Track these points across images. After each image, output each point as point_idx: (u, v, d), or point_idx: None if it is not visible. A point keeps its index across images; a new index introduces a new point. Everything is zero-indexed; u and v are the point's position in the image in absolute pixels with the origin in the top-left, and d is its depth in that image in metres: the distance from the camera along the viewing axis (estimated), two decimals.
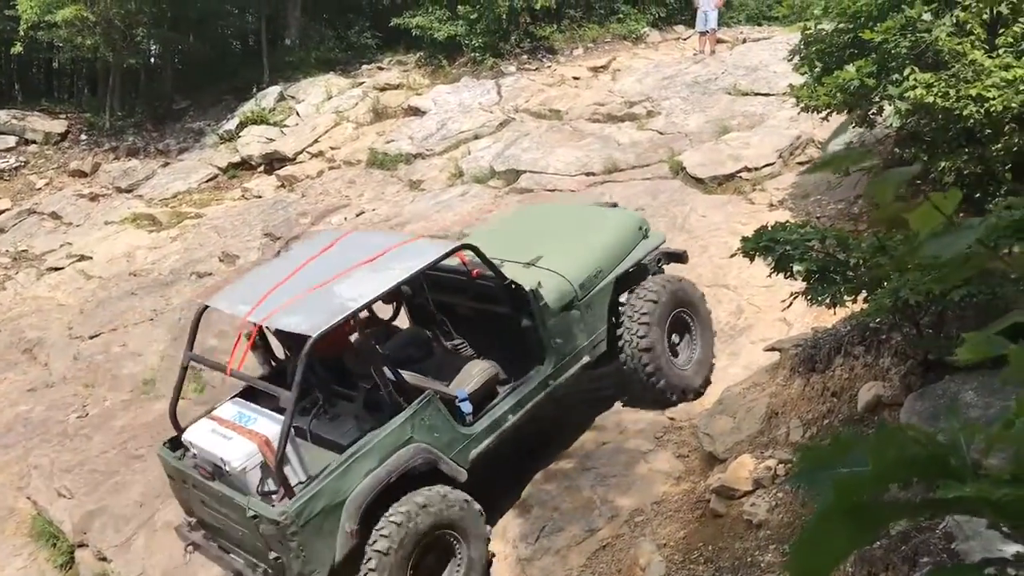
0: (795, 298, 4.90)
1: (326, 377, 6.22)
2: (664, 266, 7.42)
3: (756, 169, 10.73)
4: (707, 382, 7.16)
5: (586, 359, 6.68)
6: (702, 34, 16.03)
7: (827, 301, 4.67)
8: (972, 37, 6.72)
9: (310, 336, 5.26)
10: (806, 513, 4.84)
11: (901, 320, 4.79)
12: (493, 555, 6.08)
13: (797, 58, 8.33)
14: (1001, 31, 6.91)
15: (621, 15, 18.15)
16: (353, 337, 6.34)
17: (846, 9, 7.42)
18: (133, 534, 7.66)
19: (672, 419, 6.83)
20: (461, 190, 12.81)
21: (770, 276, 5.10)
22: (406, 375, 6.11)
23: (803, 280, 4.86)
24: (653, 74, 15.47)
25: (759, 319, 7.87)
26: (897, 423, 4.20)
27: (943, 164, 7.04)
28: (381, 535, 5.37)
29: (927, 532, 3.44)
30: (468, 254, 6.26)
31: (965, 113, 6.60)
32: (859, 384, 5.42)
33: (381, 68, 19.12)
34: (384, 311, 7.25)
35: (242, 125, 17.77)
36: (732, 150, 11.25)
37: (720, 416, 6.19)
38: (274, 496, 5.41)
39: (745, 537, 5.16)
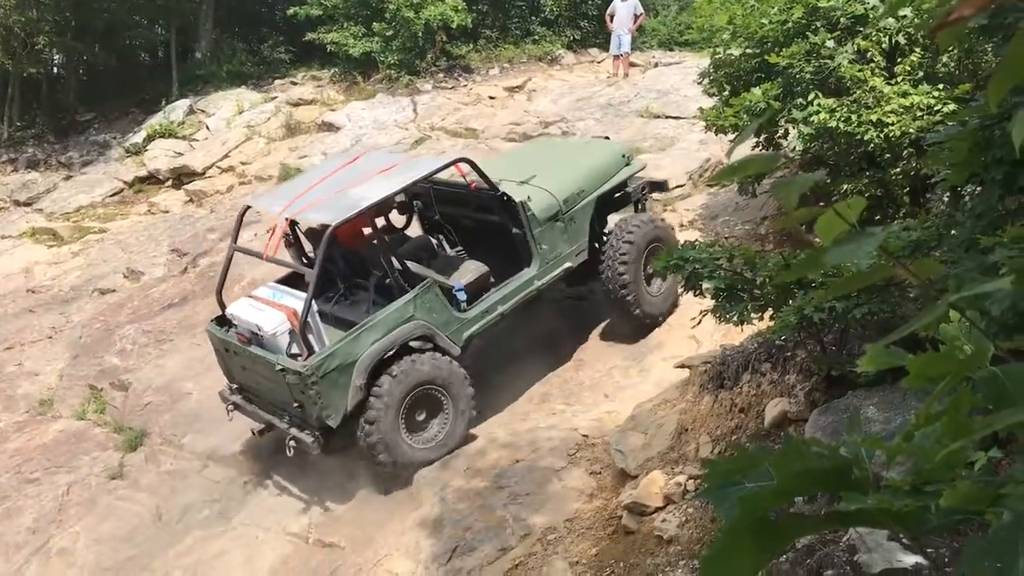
0: (704, 315, 4.97)
1: (346, 271, 7.53)
2: (649, 194, 8.71)
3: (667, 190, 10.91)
4: (670, 312, 8.16)
5: (568, 264, 7.81)
6: (616, 57, 16.29)
7: (735, 319, 4.75)
8: (872, 64, 6.96)
9: (330, 224, 6.58)
10: (715, 528, 4.90)
11: (805, 337, 4.91)
12: (477, 412, 7.31)
13: (707, 80, 8.51)
14: (899, 60, 7.19)
15: (537, 36, 18.30)
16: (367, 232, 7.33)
17: (753, 34, 7.61)
18: (25, 562, 7.31)
19: (585, 436, 6.86)
20: None
21: (681, 295, 5.17)
22: (411, 265, 7.32)
23: (712, 298, 4.94)
24: (568, 95, 15.64)
25: (669, 336, 7.98)
26: (801, 438, 4.28)
27: (845, 186, 7.26)
28: (379, 383, 6.70)
29: (831, 545, 3.50)
30: (466, 167, 7.41)
31: (866, 138, 6.83)
32: (766, 400, 5.51)
33: (295, 83, 18.85)
34: (399, 221, 8.48)
35: (149, 138, 17.27)
36: (644, 171, 11.41)
37: (632, 433, 6.23)
38: (299, 357, 6.65)
39: (656, 553, 5.18)
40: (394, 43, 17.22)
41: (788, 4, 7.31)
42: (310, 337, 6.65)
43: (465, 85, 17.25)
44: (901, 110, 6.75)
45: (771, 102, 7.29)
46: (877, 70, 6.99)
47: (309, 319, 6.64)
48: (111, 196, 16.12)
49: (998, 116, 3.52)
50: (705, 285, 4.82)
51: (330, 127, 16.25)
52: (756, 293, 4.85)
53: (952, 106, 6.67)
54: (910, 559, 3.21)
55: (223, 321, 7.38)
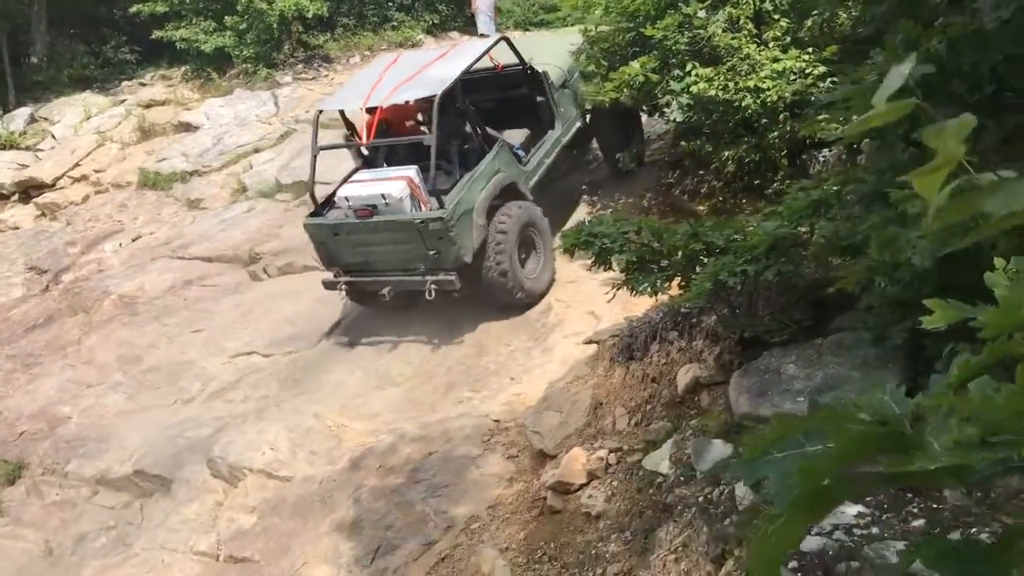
0: (618, 289, 4.99)
1: (408, 151, 8.38)
2: None
3: None
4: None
5: (579, 124, 9.38)
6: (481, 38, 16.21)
7: (648, 290, 4.79)
8: (744, 32, 7.13)
9: (436, 95, 7.68)
10: (644, 499, 4.94)
11: (715, 302, 4.99)
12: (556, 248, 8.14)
13: (583, 57, 8.56)
14: (764, 26, 7.39)
15: (395, 22, 17.99)
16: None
17: (626, 8, 7.68)
18: None
19: (497, 421, 6.81)
20: (247, 206, 12.26)
21: (589, 269, 5.18)
22: (488, 129, 8.66)
23: (621, 271, 4.96)
24: None
25: (568, 314, 8.00)
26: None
27: (727, 153, 7.43)
28: (500, 222, 7.96)
29: None
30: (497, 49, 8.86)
31: (744, 104, 7.00)
32: (676, 368, 5.60)
33: (144, 84, 17.93)
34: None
35: None
36: None
37: (547, 412, 6.22)
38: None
39: (586, 530, 5.20)
40: (248, 36, 16.59)
41: None
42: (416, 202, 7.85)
43: (326, 75, 16.80)
44: (775, 75, 6.94)
45: (649, 75, 7.38)
46: (749, 37, 7.17)
47: (420, 183, 7.77)
48: None
49: None
50: (615, 260, 4.83)
51: (188, 127, 15.55)
52: (663, 263, 4.91)
53: (822, 68, 6.92)
54: (852, 510, 3.31)
55: (316, 215, 8.31)
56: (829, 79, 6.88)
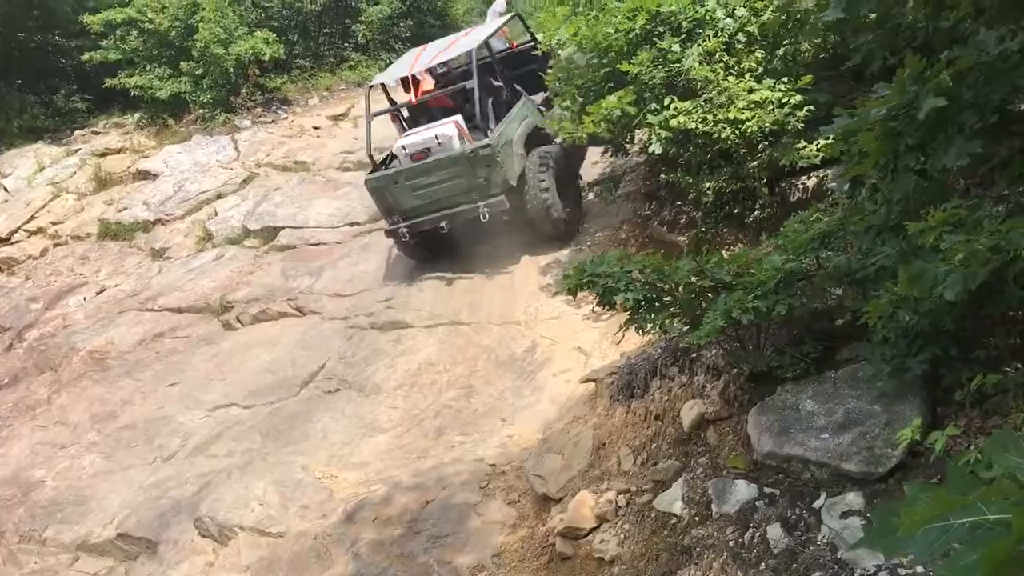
0: (626, 330, 4.92)
1: (438, 110, 10.18)
2: None
3: None
4: None
5: None
6: None
7: (657, 328, 4.74)
8: (720, 64, 7.17)
9: (472, 48, 9.86)
10: (659, 541, 4.85)
11: (722, 338, 4.94)
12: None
13: (557, 95, 8.55)
14: (734, 57, 7.42)
15: (352, 62, 17.99)
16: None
17: (599, 44, 7.69)
18: None
19: (493, 465, 6.68)
20: (215, 254, 12.05)
21: (593, 310, 5.12)
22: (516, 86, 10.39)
23: (626, 311, 4.89)
24: None
25: (555, 351, 7.92)
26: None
27: (707, 184, 7.45)
28: (542, 156, 9.42)
29: (811, 546, 3.51)
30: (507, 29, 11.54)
31: (723, 136, 7.02)
32: (679, 404, 5.53)
33: (97, 132, 17.70)
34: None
35: None
36: None
37: (547, 455, 6.12)
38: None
39: None
40: (205, 81, 16.46)
41: (632, 12, 7.43)
42: (462, 141, 9.27)
43: (286, 118, 16.70)
44: (752, 106, 6.98)
45: (627, 108, 7.39)
46: (724, 70, 7.20)
47: (464, 126, 9.37)
48: None
49: (906, 105, 3.64)
50: (619, 300, 4.76)
51: (146, 175, 15.33)
52: (667, 301, 4.86)
53: (798, 98, 6.97)
54: None
55: (375, 171, 9.72)
56: (805, 108, 6.95)
